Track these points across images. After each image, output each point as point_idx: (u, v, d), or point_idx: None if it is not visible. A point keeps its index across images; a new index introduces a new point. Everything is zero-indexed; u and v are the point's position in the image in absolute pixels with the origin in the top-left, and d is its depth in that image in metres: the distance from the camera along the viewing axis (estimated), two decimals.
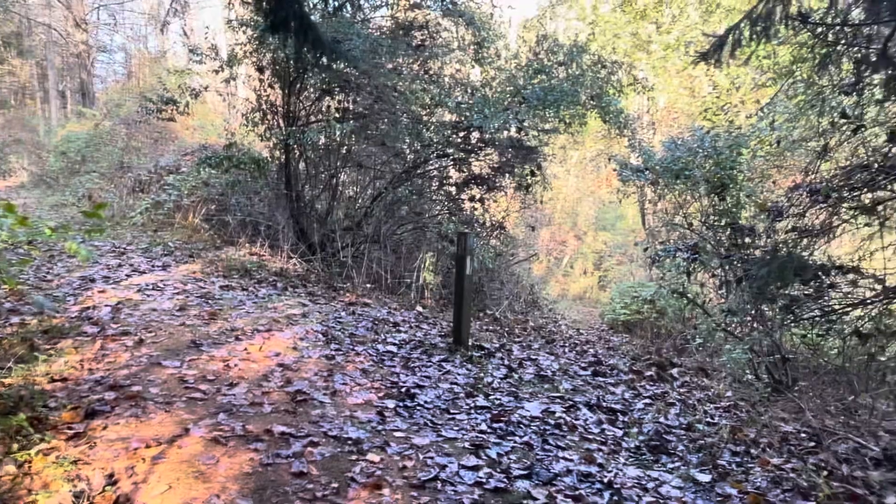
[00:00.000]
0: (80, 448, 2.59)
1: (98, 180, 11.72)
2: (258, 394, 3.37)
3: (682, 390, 4.71)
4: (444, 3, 8.08)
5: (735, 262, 5.46)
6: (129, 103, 14.81)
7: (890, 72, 3.90)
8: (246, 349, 4.08)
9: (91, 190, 11.28)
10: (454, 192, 8.57)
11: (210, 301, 5.23)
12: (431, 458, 2.87)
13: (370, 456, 2.80)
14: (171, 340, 4.08)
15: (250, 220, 8.68)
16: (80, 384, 3.24)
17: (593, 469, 2.94)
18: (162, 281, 5.72)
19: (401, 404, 3.53)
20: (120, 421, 2.87)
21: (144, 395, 3.18)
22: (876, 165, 4.25)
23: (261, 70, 7.75)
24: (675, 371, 5.34)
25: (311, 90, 7.95)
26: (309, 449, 2.79)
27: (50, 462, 2.46)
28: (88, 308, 4.60)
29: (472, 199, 8.33)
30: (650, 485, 2.83)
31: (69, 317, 4.35)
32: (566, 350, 6.21)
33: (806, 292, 4.84)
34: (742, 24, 3.95)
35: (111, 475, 2.43)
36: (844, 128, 4.55)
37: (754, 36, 3.90)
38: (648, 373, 5.18)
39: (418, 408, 3.55)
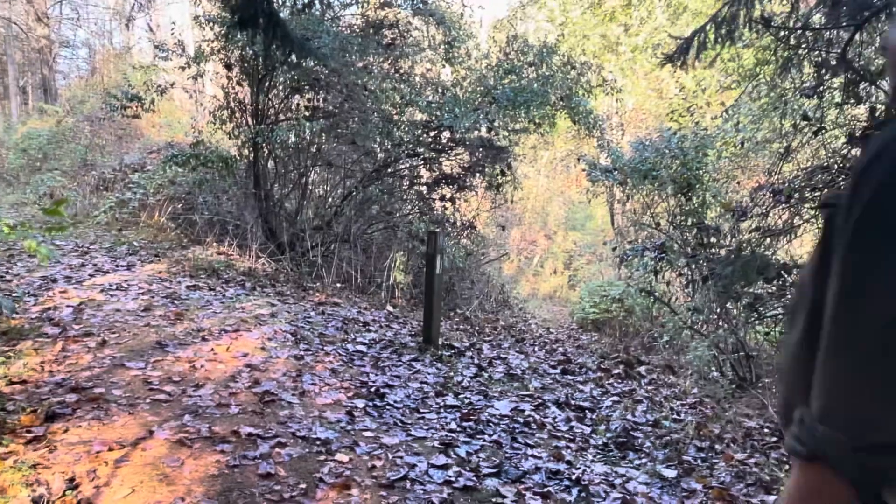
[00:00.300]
0: (39, 452, 2.52)
1: (60, 178, 11.44)
2: (225, 395, 3.32)
3: (649, 388, 4.78)
4: (415, 2, 8.07)
5: (701, 262, 5.56)
6: (93, 100, 14.50)
7: (849, 75, 4.00)
8: (213, 350, 4.02)
9: (53, 188, 11.00)
10: (425, 192, 8.56)
11: (176, 301, 5.15)
12: (401, 457, 2.86)
13: (339, 456, 2.78)
14: (135, 341, 4.00)
15: (218, 219, 8.56)
16: (40, 387, 3.16)
17: (562, 466, 2.96)
18: (126, 281, 5.60)
19: (370, 404, 3.51)
20: (82, 424, 2.80)
21: (107, 397, 3.11)
22: (836, 167, 4.36)
23: (229, 67, 7.64)
24: (642, 369, 5.41)
25: (281, 88, 7.87)
26: (276, 450, 2.76)
27: (8, 466, 2.39)
28: (49, 309, 4.49)
29: (442, 198, 8.34)
30: (617, 481, 2.86)
31: (29, 318, 4.24)
32: (536, 349, 6.25)
33: (769, 290, 4.95)
34: (707, 28, 4.02)
35: (72, 479, 2.37)
36: (806, 130, 4.65)
37: (719, 39, 3.97)
38: (616, 371, 5.24)
39: (388, 407, 3.54)
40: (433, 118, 7.65)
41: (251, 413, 3.14)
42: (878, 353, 0.78)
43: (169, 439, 2.74)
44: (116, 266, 6.26)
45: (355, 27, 7.91)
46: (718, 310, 5.37)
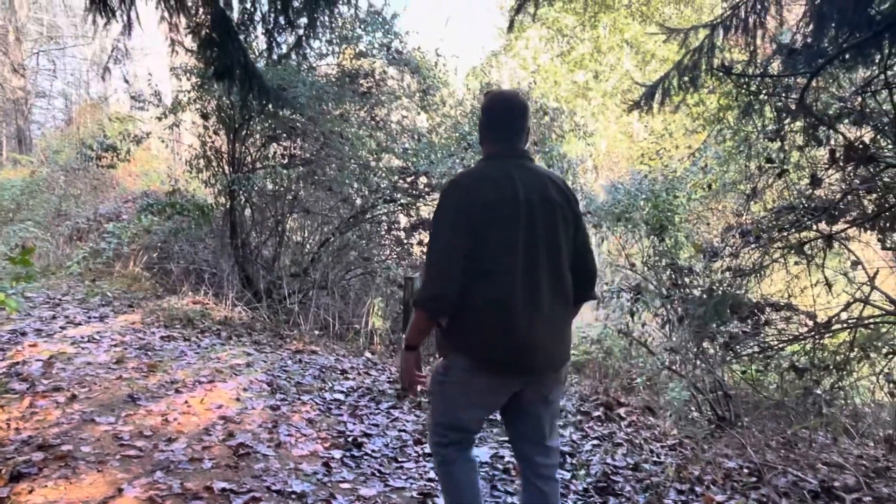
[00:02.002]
0: None
1: (33, 229, 11.29)
2: (198, 448, 3.25)
3: (628, 430, 4.76)
4: (390, 52, 8.24)
5: (676, 302, 5.62)
6: (69, 150, 14.43)
7: (808, 120, 4.15)
8: (186, 402, 3.95)
9: (25, 239, 10.85)
10: (403, 237, 8.60)
11: (149, 353, 5.06)
12: None
13: None
14: (106, 395, 3.91)
15: (194, 267, 8.50)
16: (5, 445, 3.07)
17: None
18: (99, 333, 5.51)
19: (347, 454, 3.46)
20: (48, 483, 2.72)
21: (75, 454, 3.03)
22: (801, 207, 4.48)
23: (205, 117, 7.70)
24: (622, 411, 5.40)
25: (257, 136, 7.93)
26: None
27: None
28: (18, 363, 4.39)
29: (420, 243, 8.37)
30: None
31: None
32: None
33: (744, 329, 5.01)
34: (671, 75, 4.16)
35: None
36: (770, 172, 4.78)
37: (682, 86, 4.11)
38: (596, 413, 5.22)
39: (366, 457, 3.48)
40: (410, 164, 7.74)
41: (225, 467, 3.07)
42: (428, 263, 2.03)
43: (139, 497, 2.66)
44: (89, 318, 6.16)
45: (331, 76, 8.04)
46: (695, 349, 5.41)
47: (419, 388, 2.17)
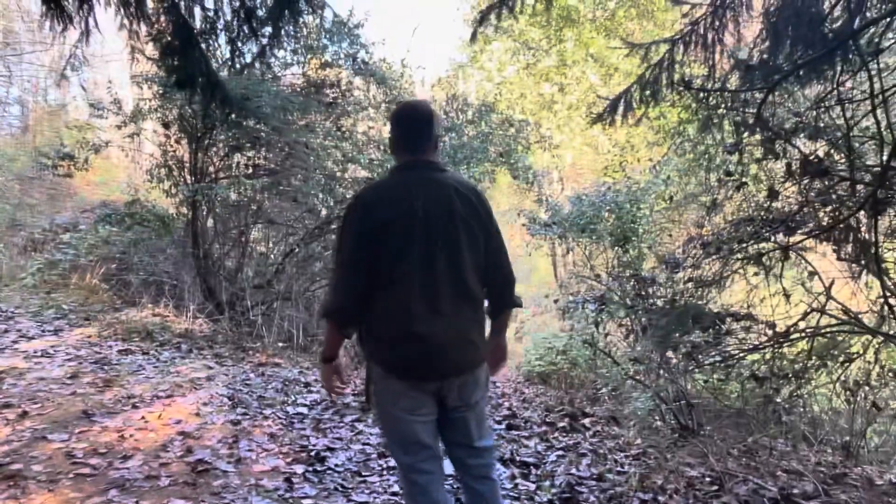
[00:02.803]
0: None
1: None
2: (155, 466, 3.16)
3: (593, 440, 4.79)
4: (356, 62, 8.22)
5: (640, 312, 5.68)
6: (24, 158, 14.05)
7: (765, 133, 4.25)
8: (143, 417, 3.84)
9: None
10: None
11: (106, 367, 4.92)
12: None
13: None
14: (59, 412, 3.79)
15: (154, 279, 8.31)
16: None
17: None
18: (53, 347, 5.34)
19: (310, 469, 3.40)
20: None
21: (25, 473, 2.92)
22: (759, 219, 4.57)
23: (167, 126, 7.57)
24: (587, 421, 5.43)
25: (221, 146, 7.82)
26: None
27: None
28: None
29: None
30: None
31: None
32: None
33: (706, 339, 5.08)
34: (633, 89, 4.23)
35: None
36: (730, 184, 4.88)
37: (643, 100, 4.17)
38: (561, 424, 5.24)
39: (328, 471, 3.43)
40: (376, 175, 7.71)
41: (183, 484, 2.99)
42: (333, 276, 2.21)
43: None
44: (43, 331, 5.97)
45: (297, 87, 7.99)
46: (658, 359, 5.47)
47: (342, 392, 2.44)
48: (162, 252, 8.67)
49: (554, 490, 3.50)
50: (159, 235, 8.09)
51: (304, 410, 4.51)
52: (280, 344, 7.10)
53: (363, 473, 3.46)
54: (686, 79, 4.11)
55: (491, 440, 2.31)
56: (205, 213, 7.83)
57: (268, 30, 4.93)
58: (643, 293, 5.84)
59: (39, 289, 8.13)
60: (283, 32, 5.03)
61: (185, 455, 3.35)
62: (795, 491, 3.37)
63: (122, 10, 4.16)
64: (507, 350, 2.36)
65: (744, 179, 4.69)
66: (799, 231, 4.37)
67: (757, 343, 4.86)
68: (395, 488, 3.27)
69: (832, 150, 4.13)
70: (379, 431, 2.24)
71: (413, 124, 2.18)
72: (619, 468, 3.94)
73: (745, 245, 4.71)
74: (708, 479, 3.63)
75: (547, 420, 5.37)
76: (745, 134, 4.55)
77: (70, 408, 3.87)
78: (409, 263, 2.00)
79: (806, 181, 4.19)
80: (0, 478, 2.85)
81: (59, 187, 12.89)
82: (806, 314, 4.45)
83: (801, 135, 4.20)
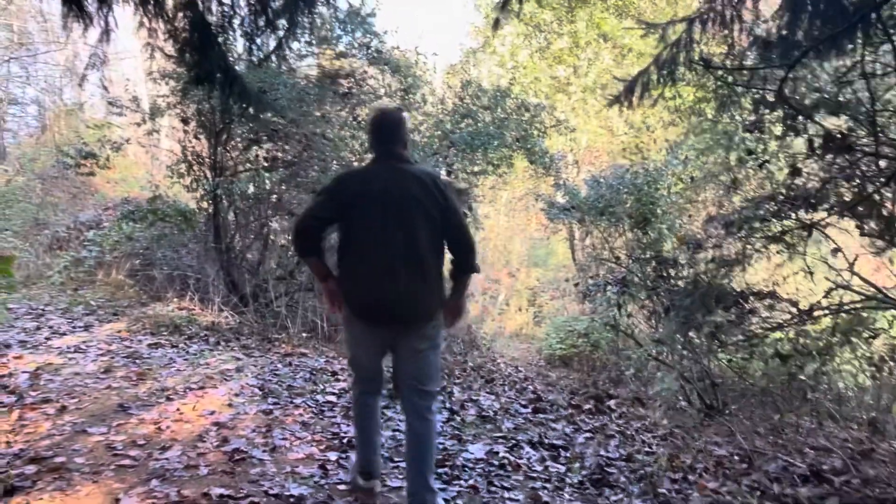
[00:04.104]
0: None
1: (11, 239, 11.12)
2: (193, 456, 3.24)
3: (620, 421, 4.82)
4: (369, 51, 8.23)
5: (661, 293, 5.68)
6: (44, 157, 14.26)
7: (786, 110, 4.22)
8: (178, 409, 3.93)
9: (3, 249, 10.69)
10: None
11: (138, 361, 5.03)
12: None
13: None
14: (96, 405, 3.88)
15: (178, 273, 8.43)
16: None
17: None
18: (84, 342, 5.46)
19: (343, 456, 3.46)
20: (43, 496, 2.70)
21: (69, 465, 3.01)
22: (781, 197, 4.55)
23: (185, 121, 7.64)
24: (612, 403, 5.46)
25: (239, 140, 7.88)
26: None
27: None
28: (4, 376, 4.33)
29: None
30: None
31: None
32: (506, 388, 6.25)
33: (729, 319, 5.08)
34: (650, 69, 4.21)
35: None
36: (750, 163, 4.85)
37: (661, 80, 4.16)
38: (587, 406, 5.27)
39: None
40: None
41: (221, 473, 3.06)
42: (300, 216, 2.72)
43: None
44: (73, 327, 6.10)
45: (312, 78, 8.02)
46: (682, 340, 5.48)
47: (331, 306, 2.83)
48: (184, 247, 8.79)
49: (584, 471, 3.54)
50: (181, 230, 8.19)
51: (333, 399, 4.58)
52: (304, 334, 7.19)
53: (395, 459, 3.51)
54: (704, 57, 4.08)
55: (434, 387, 2.78)
56: (226, 206, 7.91)
57: (283, 22, 4.96)
58: (664, 274, 5.84)
59: (67, 286, 8.28)
60: (298, 24, 5.05)
61: (221, 445, 3.43)
62: (825, 467, 3.38)
63: (140, 8, 4.20)
64: (465, 309, 2.91)
65: (765, 158, 4.66)
66: (821, 208, 4.34)
67: (781, 321, 4.85)
68: None
69: (855, 126, 4.09)
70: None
71: (383, 128, 2.75)
72: (647, 449, 3.98)
73: (767, 223, 4.69)
74: (736, 457, 3.66)
75: (572, 403, 5.41)
76: (766, 111, 4.53)
77: (106, 401, 3.97)
78: (367, 231, 2.60)
79: (828, 157, 4.16)
80: (45, 470, 2.94)
81: (80, 186, 13.08)
82: (830, 291, 4.43)
83: (823, 110, 4.16)
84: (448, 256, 2.75)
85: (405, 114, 2.89)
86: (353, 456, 3.12)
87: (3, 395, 3.95)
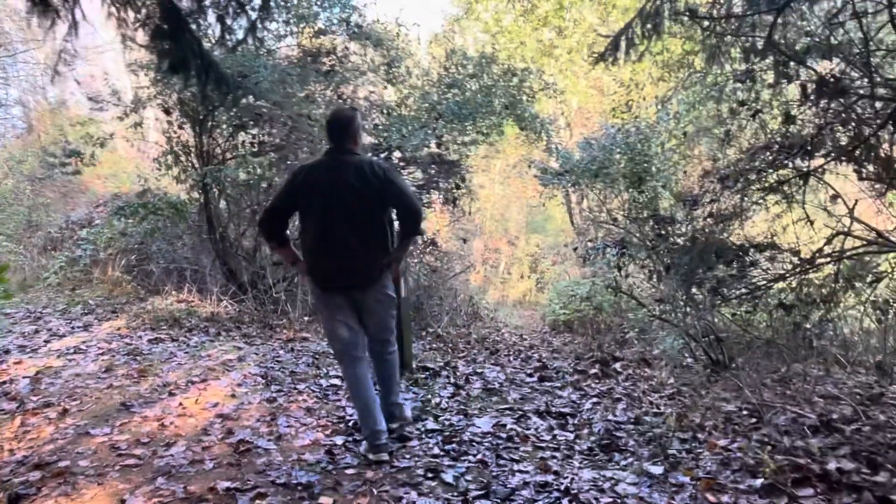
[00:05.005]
0: None
1: (6, 242, 11.05)
2: (198, 450, 3.22)
3: (626, 384, 4.80)
4: (350, 27, 8.06)
5: (661, 252, 5.63)
6: (32, 159, 14.08)
7: (777, 57, 4.11)
8: (181, 404, 3.90)
9: None
10: None
11: (138, 357, 4.99)
12: (386, 491, 2.80)
13: (322, 499, 2.71)
14: (98, 406, 3.85)
15: (174, 266, 8.37)
16: (0, 468, 3.01)
17: (549, 478, 2.94)
18: (84, 343, 5.42)
19: (349, 439, 3.44)
20: (48, 502, 2.68)
21: (73, 469, 2.98)
22: (776, 146, 4.47)
23: (167, 112, 7.51)
24: (618, 365, 5.44)
25: (224, 127, 7.76)
26: (257, 502, 2.67)
27: None
28: (4, 382, 4.30)
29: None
30: (606, 485, 2.85)
31: None
32: (511, 358, 6.24)
33: (730, 273, 5.03)
34: (633, 23, 4.09)
35: None
36: (742, 114, 4.76)
37: (646, 33, 4.04)
38: (593, 371, 5.26)
39: None
40: (381, 140, 7.62)
41: (227, 466, 3.04)
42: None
43: None
44: (72, 328, 6.06)
45: (293, 58, 7.86)
46: (684, 297, 5.43)
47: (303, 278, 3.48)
48: (179, 239, 8.72)
49: (593, 437, 3.52)
50: (174, 222, 8.11)
51: (337, 382, 4.55)
52: (306, 318, 7.15)
53: (403, 437, 3.49)
54: (691, 7, 3.97)
55: (391, 335, 3.44)
56: (216, 195, 7.82)
57: (256, 2, 4.82)
58: (663, 233, 5.78)
59: (64, 286, 8.24)
60: (272, 3, 4.91)
61: (226, 437, 3.41)
62: (835, 416, 3.36)
63: None
64: (399, 268, 3.64)
65: (758, 107, 4.56)
66: (818, 154, 4.26)
67: (783, 272, 4.81)
68: (436, 450, 3.30)
69: (848, 68, 4.00)
70: None
71: (334, 127, 3.27)
72: (655, 410, 3.96)
73: (763, 174, 4.62)
74: (745, 412, 3.63)
75: (578, 368, 5.39)
76: (756, 59, 4.42)
77: (108, 401, 3.94)
78: (317, 215, 3.14)
79: (823, 102, 4.07)
80: (50, 476, 2.91)
81: (70, 185, 12.95)
82: (831, 238, 4.38)
83: (815, 54, 4.06)
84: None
85: (357, 112, 3.44)
86: (363, 435, 3.30)
87: (4, 402, 3.92)
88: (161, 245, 8.63)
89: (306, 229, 3.20)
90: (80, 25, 4.07)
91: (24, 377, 4.40)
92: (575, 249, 8.72)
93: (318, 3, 7.91)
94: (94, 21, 4.27)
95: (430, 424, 3.72)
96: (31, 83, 25.93)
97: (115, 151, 13.97)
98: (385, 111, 8.19)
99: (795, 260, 4.72)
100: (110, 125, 8.44)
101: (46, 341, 5.52)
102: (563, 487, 2.82)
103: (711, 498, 2.65)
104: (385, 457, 3.13)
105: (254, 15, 4.71)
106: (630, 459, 3.19)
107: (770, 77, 4.62)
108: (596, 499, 2.70)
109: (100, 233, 8.27)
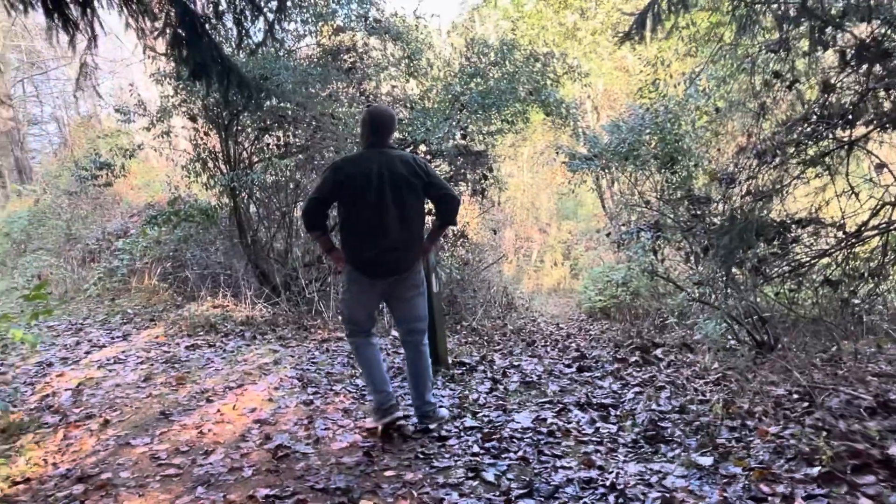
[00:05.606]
0: None
1: (46, 257, 11.31)
2: (237, 457, 3.20)
3: (669, 371, 4.67)
4: (368, 22, 8.00)
5: (697, 233, 5.46)
6: (67, 173, 14.39)
7: (812, 23, 3.92)
8: (219, 410, 3.91)
9: (40, 269, 10.88)
10: None
11: (176, 365, 5.03)
12: (427, 493, 2.75)
13: (362, 503, 2.67)
14: (138, 416, 3.88)
15: (208, 272, 8.45)
16: (44, 482, 3.04)
17: (594, 473, 2.85)
18: (123, 352, 5.49)
19: (388, 440, 3.39)
20: None
21: (115, 481, 2.99)
22: (814, 117, 4.27)
23: (193, 119, 7.56)
24: (658, 352, 5.31)
25: (249, 130, 7.78)
26: None
27: None
28: (47, 395, 4.36)
29: (429, 212, 8.23)
30: (653, 479, 2.75)
31: (28, 409, 4.12)
32: (548, 349, 6.14)
33: (772, 251, 4.85)
34: None
35: None
36: (777, 85, 4.57)
37: (672, 8, 3.90)
38: (633, 359, 5.13)
39: (407, 440, 3.42)
40: (406, 135, 7.56)
41: (266, 472, 3.02)
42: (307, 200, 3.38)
43: None
44: (112, 338, 6.15)
45: (313, 57, 7.83)
46: (724, 278, 5.27)
47: (339, 267, 3.57)
48: (211, 244, 8.80)
49: (637, 429, 3.42)
50: (205, 228, 8.19)
51: None
52: (339, 318, 7.14)
53: (442, 436, 3.44)
54: None
55: (424, 325, 3.54)
56: (245, 199, 7.86)
57: (273, 3, 4.79)
58: (698, 213, 5.60)
59: (103, 297, 8.38)
60: (288, 3, 4.87)
61: (264, 442, 3.39)
62: (892, 396, 3.20)
63: (124, 9, 4.08)
64: (429, 250, 3.62)
65: (795, 77, 4.37)
66: (860, 123, 4.07)
67: (827, 247, 4.63)
68: (476, 448, 3.24)
69: (889, 30, 3.79)
70: (340, 312, 3.99)
71: (381, 122, 3.40)
72: (700, 397, 3.83)
73: (803, 147, 4.43)
74: (796, 395, 3.49)
75: (618, 357, 5.27)
76: (790, 27, 4.23)
77: (148, 410, 3.97)
78: (365, 204, 3.25)
79: (864, 67, 3.88)
80: (93, 488, 2.93)
81: (104, 196, 13.17)
82: (877, 209, 4.19)
83: (853, 17, 3.86)
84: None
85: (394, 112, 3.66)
86: (371, 403, 3.56)
87: (47, 415, 3.97)
88: (195, 251, 8.72)
89: (352, 219, 3.31)
90: (99, 38, 4.09)
91: (66, 389, 4.46)
92: (608, 235, 8.56)
93: (336, 0, 7.86)
94: (117, 33, 4.29)
95: (469, 422, 3.65)
96: (63, 99, 26.56)
97: (147, 161, 14.21)
98: (408, 105, 8.12)
99: (840, 234, 4.53)
100: (139, 135, 8.54)
101: (87, 352, 5.60)
102: (608, 483, 2.73)
103: (766, 488, 2.53)
104: (401, 413, 3.46)
105: (270, 16, 4.68)
106: (677, 451, 3.08)
107: (805, 45, 4.43)
108: (644, 494, 2.61)
109: (135, 242, 8.40)
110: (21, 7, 3.72)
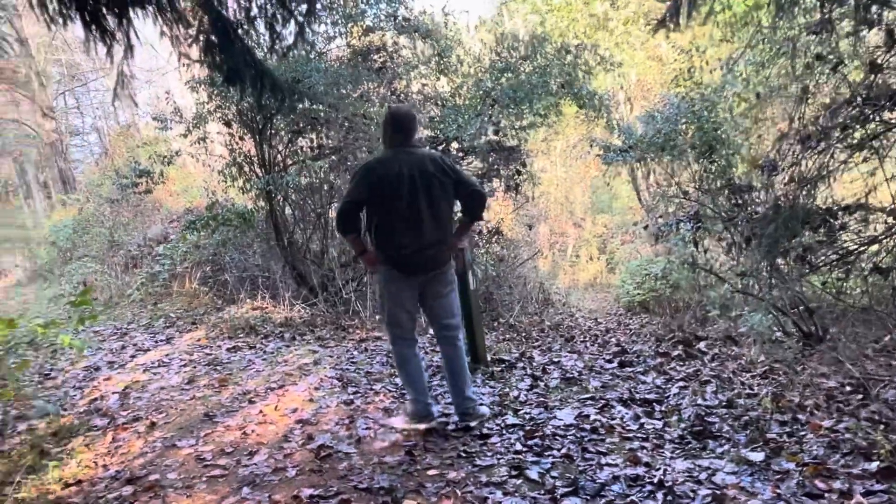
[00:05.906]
0: None
1: (91, 264, 11.62)
2: (280, 458, 3.23)
3: (713, 364, 4.56)
4: (397, 21, 8.00)
5: (739, 223, 5.32)
6: (109, 182, 14.76)
7: (855, 1, 3.79)
8: (261, 411, 3.95)
9: (85, 275, 11.18)
10: None
11: (218, 367, 5.10)
12: (470, 492, 2.73)
13: (406, 503, 2.66)
14: (183, 417, 3.94)
15: (247, 274, 8.57)
16: (95, 484, 3.10)
17: (640, 470, 2.79)
18: (167, 356, 5.59)
19: (429, 439, 3.38)
20: None
21: (163, 482, 3.04)
22: (860, 99, 4.12)
23: (228, 124, 7.66)
24: (702, 345, 5.19)
25: (283, 134, 7.85)
26: None
27: None
28: (96, 399, 4.47)
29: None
30: (702, 476, 2.68)
31: (77, 412, 4.22)
32: (588, 344, 6.06)
33: (818, 239, 4.70)
34: None
35: None
36: (820, 68, 4.42)
37: None
38: (676, 352, 5.03)
39: (449, 438, 3.40)
40: (438, 132, 7.54)
41: (309, 472, 3.03)
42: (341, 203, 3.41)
43: None
44: (156, 342, 6.27)
45: (344, 58, 7.87)
46: (768, 268, 5.12)
47: (372, 268, 3.62)
48: (249, 247, 8.92)
49: (683, 425, 3.34)
50: (243, 231, 8.30)
51: None
52: (377, 317, 7.16)
53: (484, 434, 3.41)
54: None
55: (457, 320, 3.58)
56: (281, 202, 7.94)
57: (303, 7, 4.81)
58: (740, 202, 5.47)
59: (146, 301, 8.57)
60: (317, 6, 4.89)
61: (306, 442, 3.41)
62: None
63: (159, 17, 4.14)
64: (457, 244, 3.54)
65: (840, 59, 4.22)
66: None
67: (876, 234, 4.47)
68: (518, 446, 3.20)
69: None
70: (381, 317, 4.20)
71: (404, 122, 3.43)
72: (748, 391, 3.73)
73: (849, 131, 4.28)
74: (849, 387, 3.37)
75: (660, 351, 5.17)
76: (832, 6, 4.09)
77: (192, 412, 4.03)
78: (398, 203, 3.28)
79: None
80: (141, 490, 2.98)
81: (145, 203, 13.46)
82: None
83: None
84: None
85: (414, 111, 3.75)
86: (407, 406, 3.56)
87: (96, 419, 4.06)
88: (233, 255, 8.85)
89: (387, 219, 3.34)
90: (135, 48, 4.15)
91: (113, 393, 4.56)
92: (645, 227, 8.42)
93: (365, 0, 7.88)
94: (152, 42, 4.35)
95: (511, 419, 3.62)
96: (103, 110, 27.23)
97: (185, 167, 14.46)
98: (439, 103, 8.11)
99: (890, 220, 4.38)
100: (176, 142, 8.70)
101: (133, 356, 5.72)
102: (656, 480, 2.67)
103: (821, 485, 2.45)
104: (424, 425, 3.45)
105: (301, 19, 4.70)
106: (726, 446, 3.00)
107: (849, 25, 4.27)
108: (693, 491, 2.54)
109: (175, 247, 8.57)
110: (60, 20, 3.79)
